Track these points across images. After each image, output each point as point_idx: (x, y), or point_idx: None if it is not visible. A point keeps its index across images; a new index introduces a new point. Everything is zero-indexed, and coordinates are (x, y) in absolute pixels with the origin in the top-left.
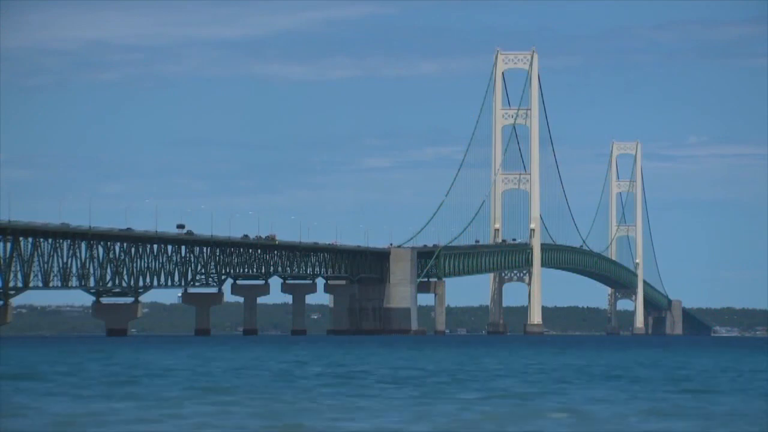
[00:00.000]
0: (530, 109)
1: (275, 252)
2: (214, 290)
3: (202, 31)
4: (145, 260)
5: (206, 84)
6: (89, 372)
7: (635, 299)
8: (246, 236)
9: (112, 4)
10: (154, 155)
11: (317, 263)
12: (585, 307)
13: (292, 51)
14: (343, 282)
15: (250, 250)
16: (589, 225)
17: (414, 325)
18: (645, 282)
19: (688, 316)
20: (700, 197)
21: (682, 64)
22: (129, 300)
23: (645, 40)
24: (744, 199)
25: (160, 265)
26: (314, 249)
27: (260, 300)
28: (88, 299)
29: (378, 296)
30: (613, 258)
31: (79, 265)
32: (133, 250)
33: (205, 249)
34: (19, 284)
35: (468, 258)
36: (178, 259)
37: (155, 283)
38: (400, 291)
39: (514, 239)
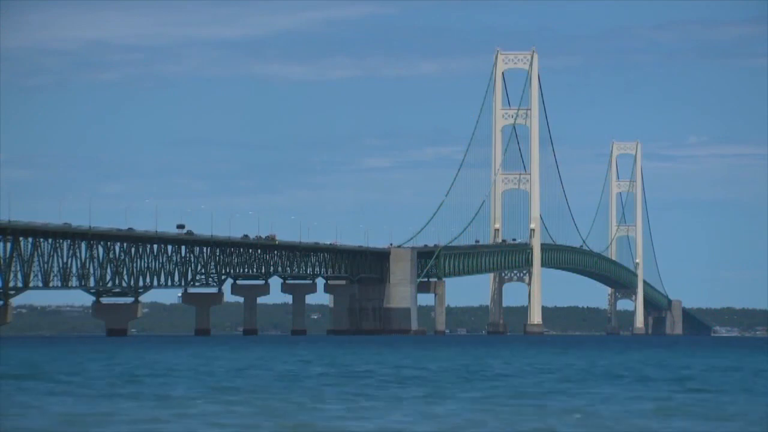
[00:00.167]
0: (530, 109)
1: (275, 252)
2: (214, 290)
3: (202, 31)
4: (145, 260)
5: (206, 84)
6: (91, 372)
7: (635, 299)
8: (246, 236)
9: (112, 4)
10: (154, 155)
11: (317, 263)
12: (585, 307)
13: (292, 51)
14: (343, 282)
15: (250, 250)
16: (589, 225)
17: (414, 325)
18: (645, 282)
19: (688, 316)
20: (700, 197)
21: (682, 64)
22: (129, 300)
23: (645, 40)
24: (744, 199)
25: (160, 265)
26: (314, 249)
27: (260, 300)
28: (88, 299)
29: (378, 296)
30: (613, 258)
31: (79, 265)
32: (133, 250)
33: (205, 249)
34: (19, 284)
35: (468, 258)
36: (178, 259)
37: (155, 283)
38: (400, 291)
39: (514, 239)
